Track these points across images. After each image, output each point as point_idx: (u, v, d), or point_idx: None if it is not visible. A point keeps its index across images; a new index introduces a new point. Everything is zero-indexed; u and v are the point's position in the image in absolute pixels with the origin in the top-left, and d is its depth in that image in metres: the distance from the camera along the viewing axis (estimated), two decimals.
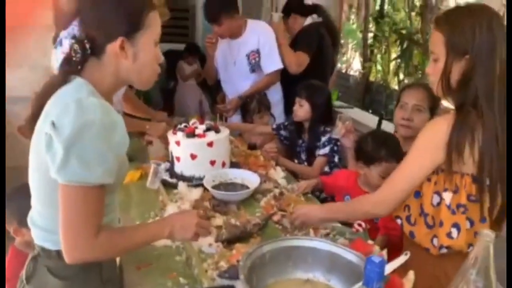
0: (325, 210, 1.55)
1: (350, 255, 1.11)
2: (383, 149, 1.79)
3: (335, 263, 1.13)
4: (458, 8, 1.35)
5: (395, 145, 1.83)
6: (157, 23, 1.07)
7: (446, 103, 1.37)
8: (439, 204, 1.25)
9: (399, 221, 1.36)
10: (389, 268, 1.04)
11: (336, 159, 2.33)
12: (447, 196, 1.23)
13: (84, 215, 0.96)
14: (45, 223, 1.05)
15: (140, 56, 1.05)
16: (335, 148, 2.31)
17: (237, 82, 2.85)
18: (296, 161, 2.44)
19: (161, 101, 4.84)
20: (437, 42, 1.25)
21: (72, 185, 0.94)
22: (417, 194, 1.31)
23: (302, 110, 2.34)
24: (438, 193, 1.25)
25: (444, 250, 1.25)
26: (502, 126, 1.18)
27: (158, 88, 4.91)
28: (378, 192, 1.36)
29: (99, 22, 1.02)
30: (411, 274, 1.16)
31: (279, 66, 2.77)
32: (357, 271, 1.06)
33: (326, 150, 2.31)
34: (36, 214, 1.07)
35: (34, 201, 1.08)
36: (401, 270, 1.10)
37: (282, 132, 2.54)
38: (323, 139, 2.32)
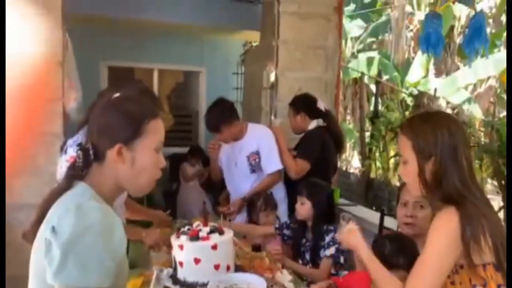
0: (369, 253, 1.49)
1: None
2: (401, 257, 1.70)
3: None
4: (419, 114, 1.50)
5: (415, 253, 1.77)
6: (158, 130, 1.11)
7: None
8: None
9: None
10: None
11: (342, 260, 2.26)
12: None
13: None
14: None
15: (138, 161, 1.07)
16: (340, 248, 2.26)
17: (238, 182, 2.90)
18: (300, 261, 2.38)
19: (164, 203, 4.85)
20: (404, 147, 1.35)
21: None
22: None
23: (304, 208, 2.34)
24: None
25: None
26: (490, 208, 1.26)
27: (161, 190, 4.95)
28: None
29: (103, 129, 1.08)
30: None
31: (279, 166, 2.84)
32: None
33: (332, 250, 2.26)
34: None
35: None
36: None
37: (286, 232, 2.51)
38: (327, 238, 2.28)
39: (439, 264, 1.22)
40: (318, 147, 2.92)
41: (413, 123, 1.38)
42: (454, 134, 1.30)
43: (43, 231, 0.99)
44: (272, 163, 2.83)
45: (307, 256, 2.36)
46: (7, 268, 1.96)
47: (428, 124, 1.32)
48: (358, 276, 1.98)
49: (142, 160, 1.08)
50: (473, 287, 1.20)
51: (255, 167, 2.84)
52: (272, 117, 3.50)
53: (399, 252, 1.73)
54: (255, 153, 2.83)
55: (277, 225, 2.60)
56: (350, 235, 1.48)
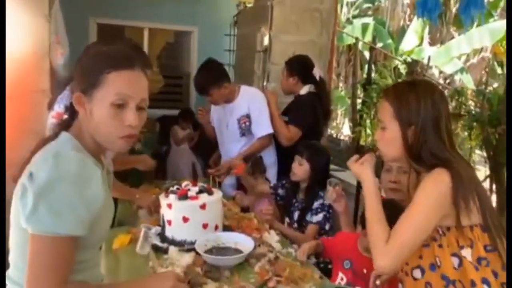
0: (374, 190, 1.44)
1: None
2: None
3: None
4: (405, 82, 1.49)
5: None
6: (119, 83, 1.04)
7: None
8: (460, 264, 1.22)
9: None
10: None
11: (327, 226, 2.29)
12: (467, 253, 1.21)
13: (49, 266, 0.95)
14: (21, 277, 1.00)
15: (95, 113, 1.04)
16: (328, 215, 2.29)
17: (228, 145, 2.89)
18: (288, 220, 2.40)
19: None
20: (385, 113, 1.34)
21: (41, 235, 0.94)
22: (433, 267, 1.26)
23: (301, 169, 2.34)
24: (456, 254, 1.23)
25: None
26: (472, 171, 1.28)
27: (151, 152, 4.93)
28: (385, 246, 1.27)
29: (75, 78, 1.07)
30: None
31: (270, 130, 2.81)
32: None
33: (319, 217, 2.29)
34: (13, 268, 1.05)
35: (11, 256, 1.06)
36: None
37: (279, 191, 2.53)
38: (316, 204, 2.31)
39: (424, 223, 1.22)
40: (310, 114, 2.89)
41: (397, 90, 1.36)
42: (438, 105, 1.29)
43: (22, 176, 1.00)
44: (262, 127, 2.81)
45: (295, 216, 2.39)
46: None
47: (413, 93, 1.30)
48: (344, 236, 2.03)
49: (98, 112, 1.04)
50: (461, 248, 1.22)
51: (245, 131, 2.82)
52: (265, 83, 3.43)
53: (393, 219, 1.75)
54: (246, 116, 2.81)
55: (271, 184, 2.62)
56: (361, 166, 1.41)
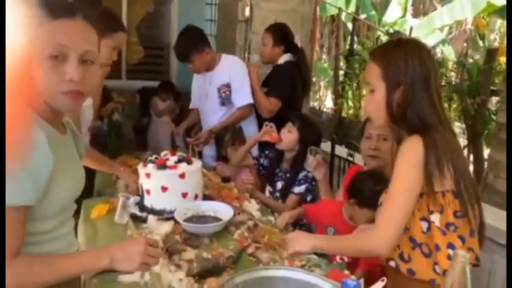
0: (324, 238, 1.48)
1: (324, 283, 1.07)
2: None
3: None
4: (391, 42, 1.47)
5: None
6: (56, 34, 0.96)
7: None
8: (429, 229, 1.24)
9: (392, 263, 1.30)
10: None
11: (309, 198, 2.30)
12: (436, 218, 1.22)
13: None
14: None
15: (35, 68, 0.96)
16: (310, 187, 2.30)
17: (208, 115, 2.87)
18: (270, 189, 2.41)
19: (134, 137, 4.78)
20: (373, 74, 1.31)
21: None
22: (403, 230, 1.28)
23: (289, 136, 2.31)
24: (425, 219, 1.25)
25: None
26: (455, 140, 1.29)
27: (131, 124, 4.86)
28: (377, 231, 1.27)
29: None
30: None
31: (249, 100, 2.79)
32: None
33: (302, 189, 2.29)
34: None
35: None
36: None
37: (263, 161, 2.52)
38: (300, 175, 2.30)
39: (409, 189, 1.22)
40: (289, 83, 2.86)
41: (384, 50, 1.34)
42: (426, 63, 1.27)
43: None
44: (242, 97, 2.78)
45: (279, 186, 2.38)
46: None
47: (400, 52, 1.28)
48: (327, 202, 2.05)
49: (38, 67, 0.95)
50: (430, 213, 1.23)
51: (225, 100, 2.79)
52: (251, 55, 3.36)
53: (382, 191, 1.76)
54: (226, 85, 2.77)
55: (254, 154, 2.60)
56: (294, 236, 1.41)
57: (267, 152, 2.54)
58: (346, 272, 1.41)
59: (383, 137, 1.93)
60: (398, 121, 1.29)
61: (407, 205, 1.23)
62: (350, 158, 3.07)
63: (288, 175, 2.36)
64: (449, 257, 1.20)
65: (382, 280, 1.04)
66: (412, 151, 1.22)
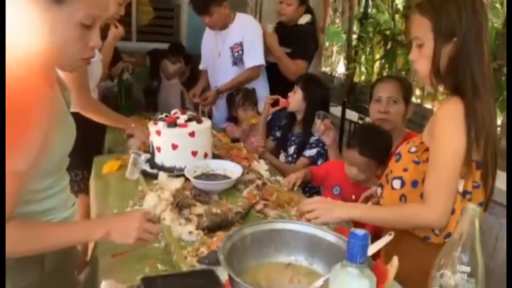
0: (360, 208, 1.38)
1: (332, 237, 1.08)
2: (371, 144, 1.80)
3: (317, 246, 1.09)
4: None
5: (387, 144, 1.83)
6: (90, 2, 0.95)
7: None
8: None
9: None
10: (373, 248, 1.01)
11: (319, 162, 2.30)
12: (460, 184, 1.22)
13: None
14: None
15: (58, 31, 0.93)
16: (322, 151, 2.28)
17: (219, 75, 2.84)
18: (284, 153, 2.41)
19: (144, 99, 4.78)
20: (421, 28, 1.24)
21: None
22: (415, 184, 1.28)
23: (294, 97, 2.31)
24: None
25: None
26: (494, 107, 1.21)
27: (141, 86, 4.85)
28: (429, 204, 1.21)
29: None
30: (395, 260, 1.13)
31: (260, 62, 2.75)
32: (339, 253, 1.03)
33: (313, 152, 2.27)
34: None
35: None
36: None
37: (275, 132, 2.51)
38: (312, 139, 2.28)
39: (455, 152, 1.18)
40: (313, 45, 2.84)
41: (434, 2, 1.25)
42: (478, 13, 1.20)
43: None
44: (253, 57, 2.74)
45: (291, 151, 2.38)
46: None
47: (452, 3, 1.20)
48: (333, 163, 2.06)
49: (61, 32, 0.93)
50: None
51: (237, 59, 2.75)
52: (267, 24, 3.24)
53: (369, 138, 1.78)
54: (239, 44, 2.73)
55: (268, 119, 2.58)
56: (330, 212, 1.29)
57: (280, 124, 2.53)
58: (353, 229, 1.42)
59: (393, 99, 1.91)
60: (443, 77, 1.23)
61: (454, 170, 1.19)
62: (361, 122, 3.05)
63: (300, 139, 2.35)
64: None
65: (390, 234, 1.04)
66: (452, 114, 1.18)
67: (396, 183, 1.32)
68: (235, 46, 2.74)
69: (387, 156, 1.75)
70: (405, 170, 1.30)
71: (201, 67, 3.12)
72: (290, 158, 2.38)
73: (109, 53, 2.47)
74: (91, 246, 1.45)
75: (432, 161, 1.23)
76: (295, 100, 2.31)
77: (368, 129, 1.99)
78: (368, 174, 1.82)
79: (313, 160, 2.28)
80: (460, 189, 1.22)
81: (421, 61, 1.26)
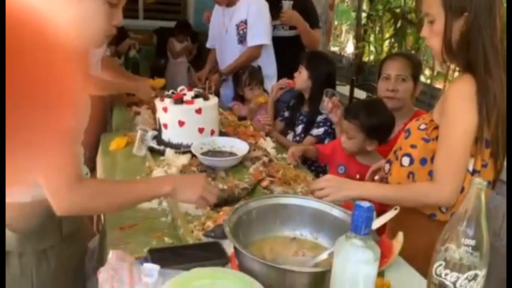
0: (371, 187, 1.36)
1: (337, 212, 1.09)
2: (372, 117, 1.76)
3: (322, 221, 1.11)
4: None
5: (386, 119, 1.81)
6: None
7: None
8: None
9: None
10: (378, 222, 1.02)
11: (326, 141, 2.28)
12: (470, 162, 1.21)
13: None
14: None
15: (84, 7, 0.95)
16: (329, 130, 2.26)
17: (226, 52, 2.82)
18: (292, 133, 2.41)
19: (151, 78, 4.78)
20: (432, 3, 1.21)
21: None
22: (424, 161, 1.27)
23: (300, 77, 2.30)
24: None
25: None
26: (505, 84, 1.17)
27: (149, 65, 4.84)
28: (439, 182, 1.20)
29: None
30: (400, 236, 1.14)
31: (261, 41, 2.70)
32: (345, 228, 1.03)
33: (320, 131, 2.25)
34: None
35: None
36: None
37: (284, 113, 2.50)
38: (320, 117, 2.26)
39: (465, 131, 1.17)
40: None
41: None
42: None
43: None
44: (254, 35, 2.68)
45: (299, 130, 2.37)
46: None
47: None
48: (338, 142, 2.04)
49: (89, 8, 0.96)
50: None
51: (242, 38, 2.72)
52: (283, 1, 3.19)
53: (370, 112, 1.77)
54: (244, 22, 2.69)
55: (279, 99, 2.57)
56: (339, 189, 1.27)
57: (289, 104, 2.50)
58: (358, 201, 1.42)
59: (402, 77, 1.88)
60: (455, 53, 1.20)
61: (465, 148, 1.18)
62: None
63: (308, 118, 2.34)
64: None
65: (395, 209, 1.05)
66: (465, 94, 1.16)
67: (405, 161, 1.31)
68: (240, 24, 2.71)
69: (381, 132, 1.74)
70: (413, 146, 1.30)
71: (208, 45, 3.09)
72: (298, 138, 2.37)
73: None
74: (95, 218, 1.48)
75: (442, 139, 1.22)
76: (301, 80, 2.30)
77: (366, 101, 1.96)
78: (356, 143, 1.79)
79: (320, 139, 2.27)
80: (470, 167, 1.22)
81: (433, 38, 1.24)
